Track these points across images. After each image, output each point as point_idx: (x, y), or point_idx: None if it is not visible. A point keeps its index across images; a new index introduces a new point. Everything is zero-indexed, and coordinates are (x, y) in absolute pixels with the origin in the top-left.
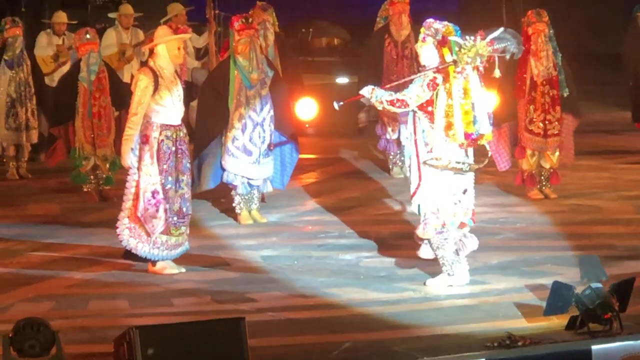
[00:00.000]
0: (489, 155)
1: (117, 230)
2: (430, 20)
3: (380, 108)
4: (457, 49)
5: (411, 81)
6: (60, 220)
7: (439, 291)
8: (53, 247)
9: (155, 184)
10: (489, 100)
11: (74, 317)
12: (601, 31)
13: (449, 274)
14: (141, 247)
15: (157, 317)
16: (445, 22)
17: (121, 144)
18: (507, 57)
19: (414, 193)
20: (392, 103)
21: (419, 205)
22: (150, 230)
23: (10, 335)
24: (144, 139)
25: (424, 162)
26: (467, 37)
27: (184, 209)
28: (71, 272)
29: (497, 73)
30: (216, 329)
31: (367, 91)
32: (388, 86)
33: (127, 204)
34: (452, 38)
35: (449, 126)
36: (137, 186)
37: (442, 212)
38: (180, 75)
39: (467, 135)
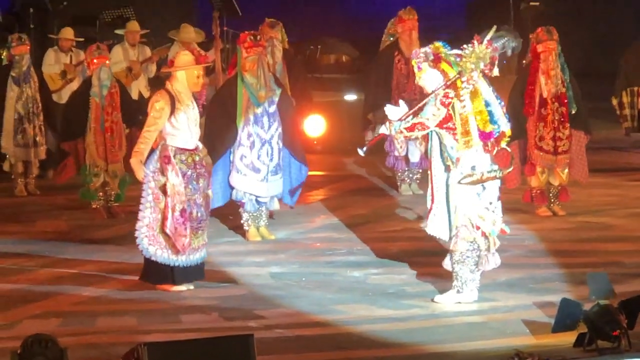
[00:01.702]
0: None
1: (137, 240)
2: (414, 50)
3: (401, 138)
4: (457, 59)
5: (424, 106)
6: (69, 236)
7: (447, 308)
8: (61, 264)
9: (183, 202)
10: (500, 101)
11: (82, 333)
12: (609, 49)
13: (458, 291)
14: (160, 254)
15: (166, 334)
16: (430, 45)
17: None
18: (509, 53)
19: (428, 214)
20: (411, 129)
21: (452, 219)
22: (180, 247)
23: (18, 352)
24: (166, 160)
25: (459, 182)
26: (465, 46)
27: (199, 214)
28: (79, 289)
29: (495, 72)
30: (224, 345)
31: (384, 128)
32: (403, 116)
33: (145, 212)
34: (443, 51)
35: (466, 133)
36: (165, 204)
37: (482, 223)
38: (198, 100)
39: (488, 135)
